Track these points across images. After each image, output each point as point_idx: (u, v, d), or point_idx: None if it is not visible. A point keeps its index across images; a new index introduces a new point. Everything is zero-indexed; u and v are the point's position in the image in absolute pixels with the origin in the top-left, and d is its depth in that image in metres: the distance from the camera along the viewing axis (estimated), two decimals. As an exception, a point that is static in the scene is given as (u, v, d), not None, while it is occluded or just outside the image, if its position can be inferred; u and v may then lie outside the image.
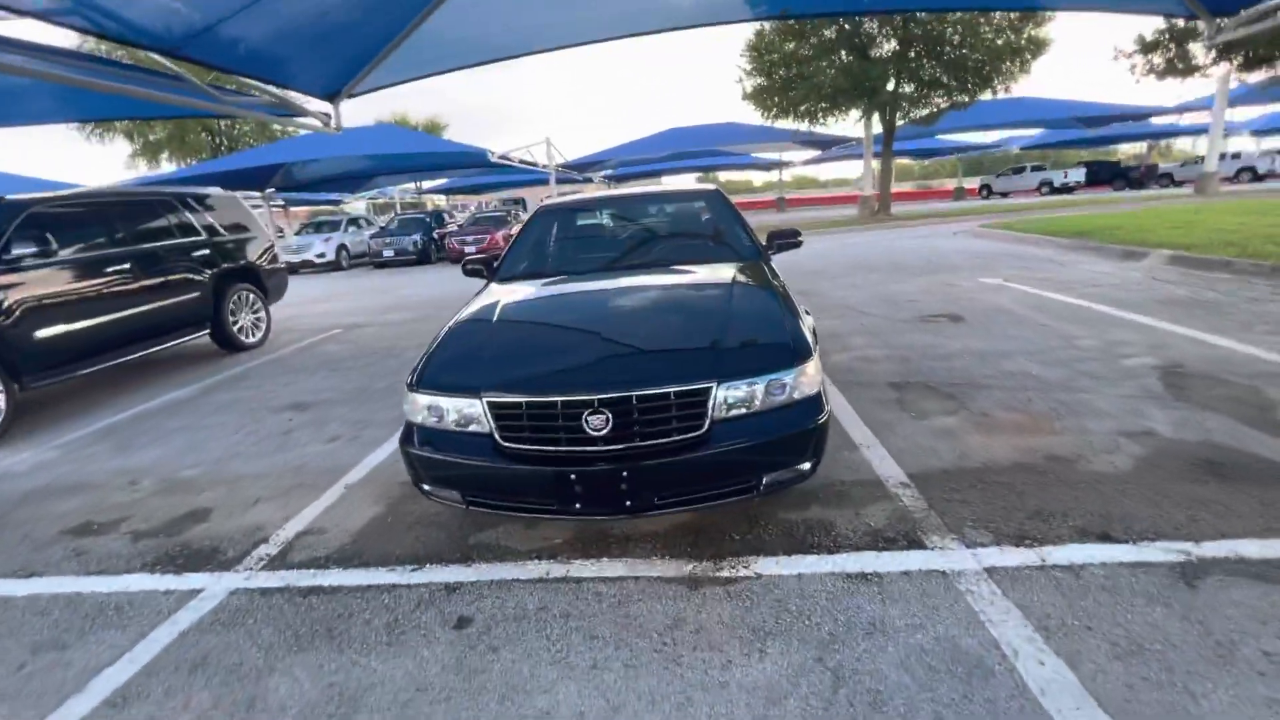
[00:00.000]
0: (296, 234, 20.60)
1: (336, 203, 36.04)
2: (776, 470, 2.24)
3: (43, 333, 4.87)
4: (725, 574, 2.19)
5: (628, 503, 2.13)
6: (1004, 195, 33.74)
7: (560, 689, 1.72)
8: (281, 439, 4.07)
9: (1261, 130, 33.20)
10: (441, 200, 44.41)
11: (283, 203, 32.14)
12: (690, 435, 2.14)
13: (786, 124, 20.74)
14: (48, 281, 4.99)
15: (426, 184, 38.14)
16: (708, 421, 2.15)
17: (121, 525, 3.00)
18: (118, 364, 5.92)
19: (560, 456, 2.15)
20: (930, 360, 4.51)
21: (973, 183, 38.70)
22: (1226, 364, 3.94)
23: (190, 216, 6.67)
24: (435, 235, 19.45)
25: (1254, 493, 2.43)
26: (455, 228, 19.93)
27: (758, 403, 2.20)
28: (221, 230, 7.03)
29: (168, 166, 25.73)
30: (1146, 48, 10.88)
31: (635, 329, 2.62)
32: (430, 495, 2.39)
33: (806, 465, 2.27)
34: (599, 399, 2.12)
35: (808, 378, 2.28)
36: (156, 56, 5.16)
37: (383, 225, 21.11)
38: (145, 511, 3.13)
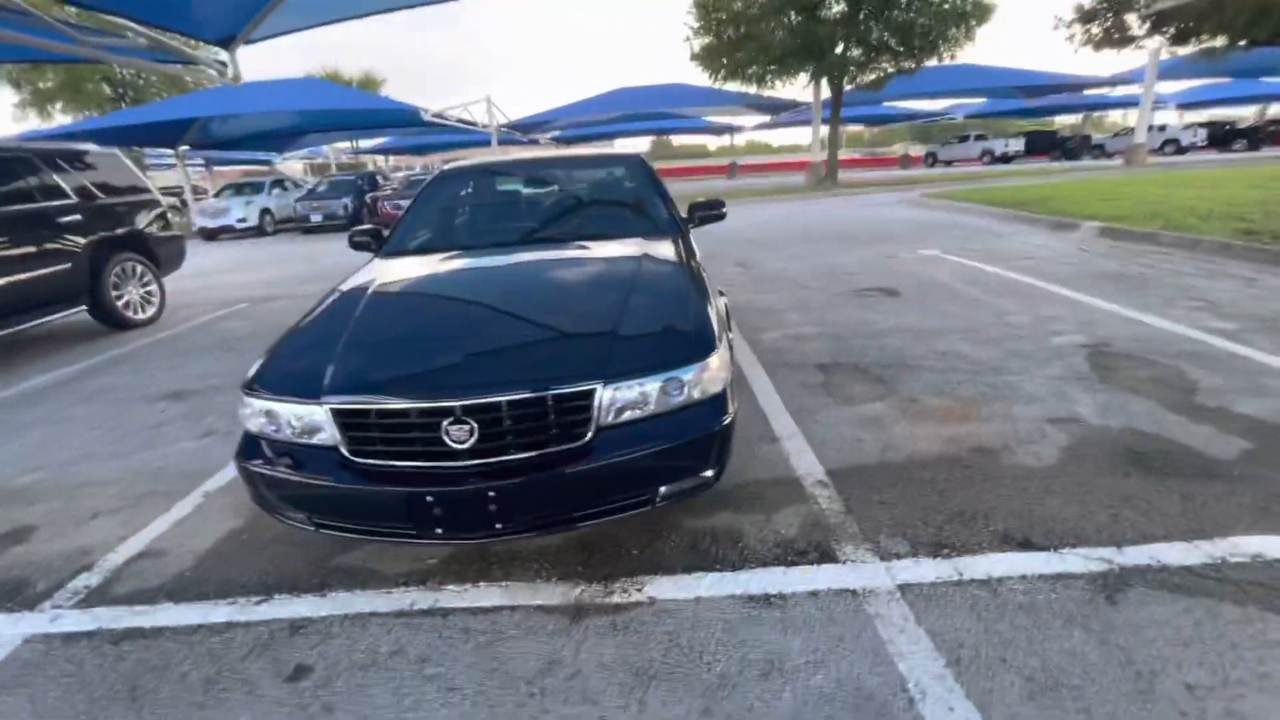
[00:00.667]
0: (214, 196, 19.06)
1: (267, 163, 33.57)
2: (675, 480, 1.97)
3: None
4: (616, 599, 1.93)
5: (498, 525, 1.83)
6: (949, 164, 34.28)
7: (397, 764, 1.44)
8: (148, 435, 3.59)
9: (1185, 104, 34.63)
10: (381, 161, 42.18)
11: (203, 162, 29.83)
12: (572, 445, 1.85)
13: (735, 86, 20.25)
14: None
15: (365, 143, 36.05)
16: (592, 429, 1.86)
17: (-81, 551, 2.52)
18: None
19: (418, 474, 1.83)
20: (863, 339, 4.34)
21: (918, 150, 39.15)
22: (1150, 342, 3.90)
23: (57, 178, 5.84)
24: (369, 199, 18.30)
25: (1176, 486, 2.32)
26: (390, 190, 18.80)
27: (651, 405, 1.91)
28: (98, 193, 6.22)
29: (61, 119, 23.24)
30: (1085, 17, 10.90)
31: (519, 318, 2.29)
32: (275, 516, 2.03)
33: (709, 473, 2.02)
34: (461, 405, 1.79)
35: (710, 373, 2.01)
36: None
37: (310, 187, 19.73)
38: (-45, 531, 2.66)
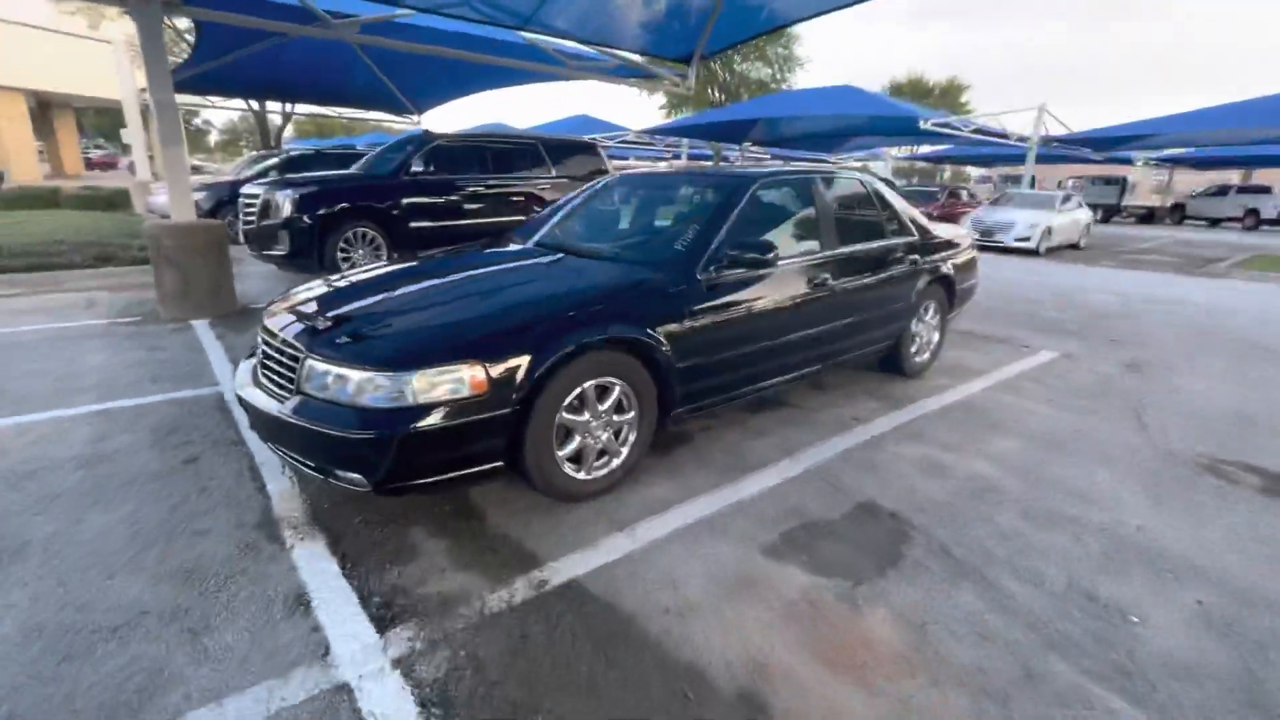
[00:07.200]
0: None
1: (824, 162, 37.70)
2: (342, 466, 2.13)
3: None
4: (284, 535, 2.28)
5: (263, 432, 2.42)
6: None
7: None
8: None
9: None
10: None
11: (769, 156, 35.71)
12: (283, 393, 2.25)
13: None
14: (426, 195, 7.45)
15: (925, 149, 35.84)
16: (295, 389, 2.21)
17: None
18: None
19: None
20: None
21: None
22: None
23: (545, 155, 8.56)
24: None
25: None
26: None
27: (327, 393, 2.12)
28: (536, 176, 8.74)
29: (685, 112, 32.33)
30: None
31: (415, 300, 2.66)
32: None
33: (359, 476, 2.08)
34: (264, 339, 2.45)
35: (385, 389, 2.05)
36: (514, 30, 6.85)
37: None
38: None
